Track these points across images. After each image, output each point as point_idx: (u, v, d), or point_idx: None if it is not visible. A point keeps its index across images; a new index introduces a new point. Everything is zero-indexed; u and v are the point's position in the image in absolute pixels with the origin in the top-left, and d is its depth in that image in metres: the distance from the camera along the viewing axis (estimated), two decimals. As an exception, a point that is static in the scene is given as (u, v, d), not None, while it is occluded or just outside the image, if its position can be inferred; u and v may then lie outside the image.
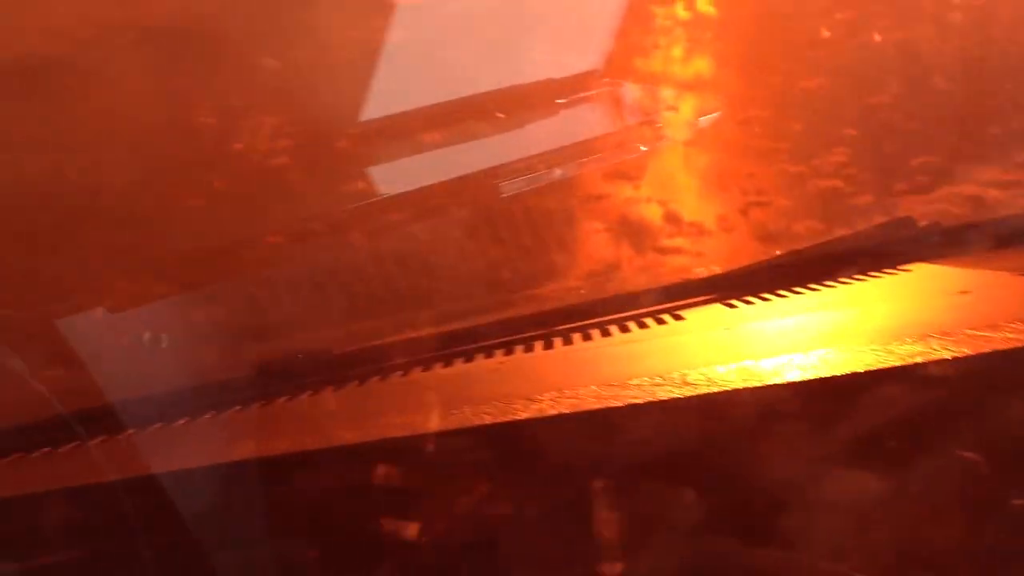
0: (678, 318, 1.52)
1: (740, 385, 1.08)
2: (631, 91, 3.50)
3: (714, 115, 2.74)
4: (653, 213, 3.58)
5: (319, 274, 2.16)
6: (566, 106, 2.71)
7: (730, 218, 3.73)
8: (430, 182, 2.26)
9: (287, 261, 2.11)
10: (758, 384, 1.07)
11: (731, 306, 1.53)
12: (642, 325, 1.51)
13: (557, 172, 2.41)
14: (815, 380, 1.08)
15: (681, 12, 4.40)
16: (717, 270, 1.82)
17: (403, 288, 2.19)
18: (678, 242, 3.61)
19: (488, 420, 1.11)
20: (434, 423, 1.15)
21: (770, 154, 3.71)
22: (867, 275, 1.56)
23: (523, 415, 1.10)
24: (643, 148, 2.52)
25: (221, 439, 1.39)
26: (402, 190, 2.29)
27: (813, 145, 3.56)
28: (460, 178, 2.27)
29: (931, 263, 1.55)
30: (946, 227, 1.63)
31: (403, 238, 2.28)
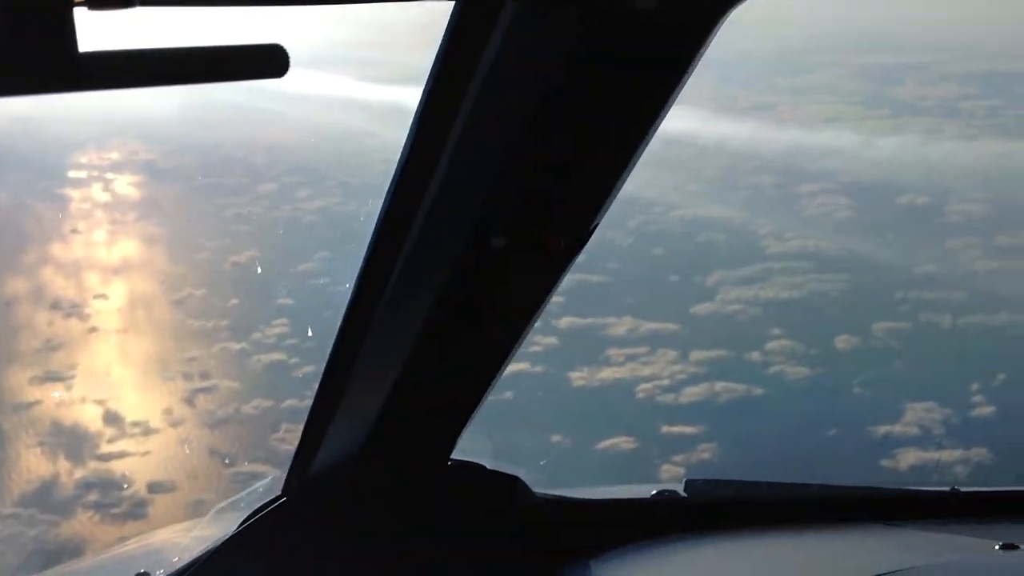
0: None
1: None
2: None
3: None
4: (91, 415, 3.29)
5: None
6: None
7: (176, 409, 3.55)
8: None
9: None
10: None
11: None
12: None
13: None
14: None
15: (99, 194, 4.28)
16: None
17: None
18: (122, 445, 3.33)
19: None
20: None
21: (210, 334, 3.57)
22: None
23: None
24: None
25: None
26: None
27: (252, 319, 3.45)
28: None
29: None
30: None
31: None
